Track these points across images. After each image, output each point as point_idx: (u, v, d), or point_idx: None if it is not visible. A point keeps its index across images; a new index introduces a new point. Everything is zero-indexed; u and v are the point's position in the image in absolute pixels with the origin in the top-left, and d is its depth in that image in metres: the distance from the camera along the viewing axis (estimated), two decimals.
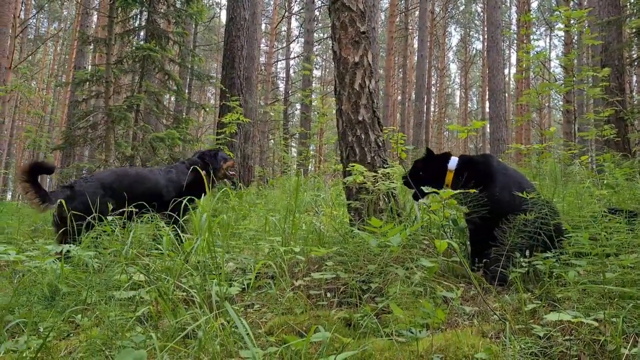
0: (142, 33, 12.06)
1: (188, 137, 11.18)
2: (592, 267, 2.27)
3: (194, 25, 21.72)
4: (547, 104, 31.93)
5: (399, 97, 34.64)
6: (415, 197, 3.06)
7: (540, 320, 2.04)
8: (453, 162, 3.01)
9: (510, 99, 34.49)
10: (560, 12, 8.08)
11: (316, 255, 2.70)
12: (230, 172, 4.71)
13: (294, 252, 2.60)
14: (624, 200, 3.60)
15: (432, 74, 35.98)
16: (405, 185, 3.05)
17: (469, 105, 44.48)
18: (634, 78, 25.67)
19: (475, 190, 2.65)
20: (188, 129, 11.72)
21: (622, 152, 6.95)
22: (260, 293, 2.75)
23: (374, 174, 3.03)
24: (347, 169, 3.19)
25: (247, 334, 1.65)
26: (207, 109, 12.02)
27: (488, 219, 2.71)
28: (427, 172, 3.04)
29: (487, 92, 16.77)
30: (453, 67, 47.59)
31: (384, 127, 7.25)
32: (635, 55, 11.60)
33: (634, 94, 23.13)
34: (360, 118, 3.32)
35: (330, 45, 3.58)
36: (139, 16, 12.63)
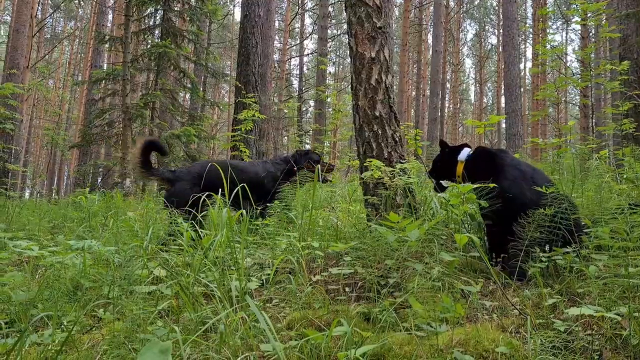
0: (157, 31, 12.16)
1: (203, 134, 11.26)
2: (613, 262, 2.24)
3: (208, 23, 21.84)
4: (564, 99, 31.53)
5: (414, 93, 34.50)
6: (436, 190, 3.10)
7: (561, 315, 2.03)
8: (464, 153, 3.02)
9: (526, 94, 34.15)
10: (577, 5, 7.97)
11: (334, 250, 2.70)
12: (325, 175, 4.79)
13: (313, 248, 2.61)
14: None
15: (447, 69, 35.75)
16: (430, 178, 3.11)
17: (484, 100, 44.10)
18: None
19: (487, 184, 2.63)
20: (203, 126, 11.81)
21: None
22: (279, 288, 2.76)
23: (391, 169, 3.03)
24: (364, 164, 3.19)
25: (269, 327, 1.66)
26: (222, 107, 12.07)
27: (501, 214, 2.70)
28: (441, 163, 3.07)
29: (503, 87, 16.61)
30: (468, 62, 47.24)
31: (407, 122, 7.21)
32: None
33: None
34: (377, 113, 3.32)
35: (346, 41, 3.58)
36: (154, 14, 12.74)
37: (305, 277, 2.80)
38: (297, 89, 30.77)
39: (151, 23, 12.82)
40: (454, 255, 2.67)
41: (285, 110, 18.77)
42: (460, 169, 3.00)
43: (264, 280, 2.82)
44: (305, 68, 33.43)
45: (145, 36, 12.12)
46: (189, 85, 11.97)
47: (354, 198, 4.91)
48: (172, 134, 8.45)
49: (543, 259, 2.47)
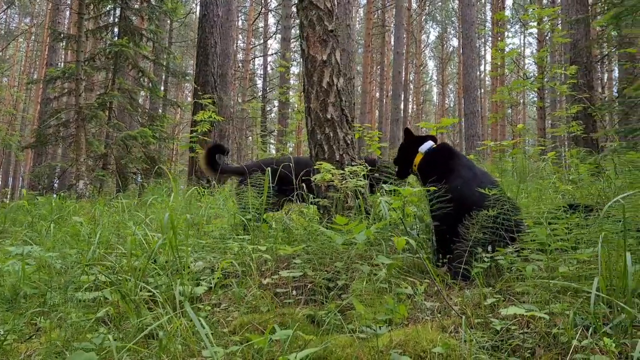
0: (115, 30, 11.90)
1: (163, 135, 11.08)
2: (549, 262, 2.32)
3: (169, 22, 21.51)
4: (521, 100, 32.38)
5: (377, 94, 34.80)
6: (399, 176, 3.21)
7: (499, 314, 2.08)
8: (426, 145, 3.09)
9: (486, 96, 34.91)
10: (531, 10, 8.20)
11: (284, 253, 2.71)
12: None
13: (260, 251, 2.61)
14: (587, 195, 3.69)
15: (410, 70, 36.21)
16: (395, 164, 3.20)
17: (446, 101, 44.87)
18: (606, 75, 26.22)
19: (435, 185, 2.69)
20: (164, 126, 11.62)
21: (590, 148, 7.11)
22: (228, 292, 2.75)
23: (342, 171, 3.05)
24: (315, 167, 3.20)
25: (206, 332, 1.66)
26: (183, 107, 11.90)
27: (450, 214, 2.76)
28: (404, 151, 3.15)
29: (462, 89, 16.94)
30: (431, 64, 47.96)
31: (361, 125, 7.30)
32: (605, 52, 11.84)
33: (605, 90, 23.60)
34: (328, 116, 3.34)
35: (299, 43, 3.59)
36: (111, 12, 12.45)
37: (255, 280, 2.79)
38: (261, 89, 30.64)
39: (110, 21, 12.54)
40: (399, 257, 2.72)
41: (249, 110, 18.64)
42: (418, 159, 3.07)
43: (214, 284, 2.81)
44: (269, 68, 33.30)
45: (103, 35, 11.85)
46: (148, 85, 11.76)
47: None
48: (128, 134, 8.29)
49: (486, 259, 2.53)
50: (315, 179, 3.06)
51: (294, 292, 2.60)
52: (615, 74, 24.56)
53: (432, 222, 3.00)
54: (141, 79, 11.74)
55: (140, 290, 2.45)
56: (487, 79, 37.01)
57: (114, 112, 10.84)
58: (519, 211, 2.91)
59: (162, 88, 23.68)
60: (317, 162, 3.26)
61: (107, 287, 2.31)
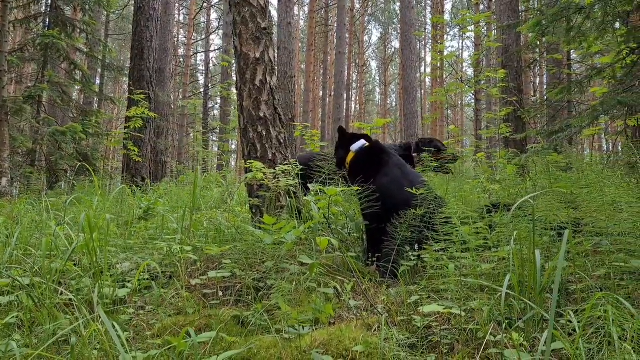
0: (47, 20, 11.33)
1: (97, 131, 10.65)
2: (472, 260, 2.39)
3: (105, 14, 20.73)
4: (460, 101, 33.44)
5: (321, 93, 34.96)
6: (338, 167, 3.28)
7: (421, 311, 2.13)
8: (357, 145, 3.13)
9: (426, 96, 35.81)
10: (466, 14, 8.45)
11: (210, 253, 2.66)
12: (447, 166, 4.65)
13: (186, 252, 2.55)
14: (511, 195, 3.84)
15: (353, 70, 36.60)
16: (334, 156, 3.26)
17: (388, 101, 45.69)
18: (538, 79, 27.47)
19: (363, 185, 2.73)
20: (97, 122, 11.17)
21: (520, 149, 7.42)
22: (154, 294, 2.67)
23: (273, 171, 3.03)
24: (246, 165, 3.17)
25: (122, 337, 1.59)
26: (118, 102, 11.50)
27: (379, 213, 2.80)
28: (339, 149, 3.21)
29: (402, 90, 17.29)
30: (373, 64, 48.67)
31: (301, 123, 7.30)
32: (536, 57, 12.40)
33: (537, 93, 24.74)
34: (261, 114, 3.31)
35: (232, 40, 3.54)
36: (44, 2, 11.86)
37: (183, 281, 2.73)
38: (203, 85, 30.09)
39: (42, 10, 11.94)
40: (325, 257, 2.73)
41: (188, 107, 18.25)
42: (349, 158, 3.11)
43: (139, 286, 2.72)
44: (211, 64, 32.75)
45: (32, 25, 11.26)
46: (81, 79, 11.27)
47: (245, 199, 4.88)
48: (56, 130, 7.91)
49: (412, 257, 2.59)
50: (246, 177, 3.02)
51: (221, 294, 2.56)
52: (545, 78, 25.79)
53: (362, 220, 3.04)
54: (74, 73, 11.24)
55: (60, 294, 2.34)
56: (427, 80, 37.98)
57: (44, 106, 10.32)
58: (444, 207, 2.99)
59: (98, 82, 22.80)
60: (249, 161, 3.23)
61: (24, 290, 2.19)
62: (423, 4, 36.04)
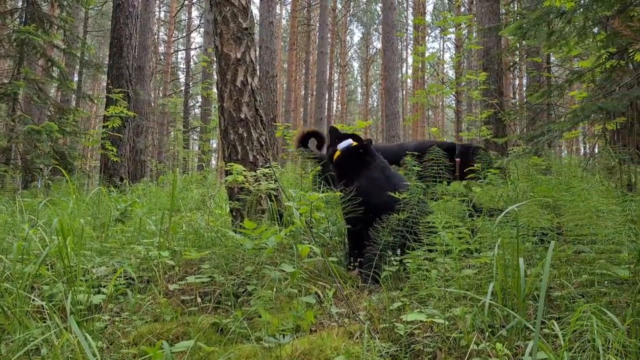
0: (24, 16, 11.07)
1: (75, 129, 10.44)
2: (455, 265, 2.37)
3: (84, 10, 20.39)
4: (440, 103, 33.65)
5: (303, 92, 34.89)
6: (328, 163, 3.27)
7: (404, 319, 2.10)
8: (344, 144, 3.09)
9: (408, 97, 35.98)
10: (449, 16, 8.48)
11: (188, 258, 2.60)
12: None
13: (163, 257, 2.48)
14: (492, 198, 3.85)
15: (335, 70, 36.59)
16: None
17: (369, 101, 45.79)
18: (517, 81, 27.80)
19: (345, 188, 2.69)
20: (75, 120, 10.95)
21: (500, 152, 7.48)
22: (130, 299, 2.60)
23: (254, 173, 2.98)
24: (226, 168, 3.11)
25: (89, 346, 1.53)
26: (97, 100, 11.29)
27: (360, 216, 2.77)
28: (331, 145, 3.18)
29: (384, 90, 17.33)
30: (355, 65, 48.73)
31: (282, 124, 7.24)
32: (516, 60, 12.51)
33: (516, 95, 25.03)
34: (242, 116, 3.25)
35: (213, 40, 3.47)
36: None
37: (161, 286, 2.67)
38: (184, 83, 29.79)
39: (19, 5, 11.67)
40: (307, 262, 2.69)
41: (169, 105, 18.04)
42: (335, 156, 3.06)
43: (114, 292, 2.65)
44: (192, 62, 32.45)
45: (7, 20, 10.99)
46: (58, 76, 11.04)
47: (227, 201, 4.81)
48: (31, 129, 7.72)
49: (394, 262, 2.56)
50: (226, 180, 2.96)
51: (200, 300, 2.50)
52: (525, 80, 26.08)
53: (344, 224, 3.01)
54: (51, 70, 11.01)
55: (32, 301, 2.26)
56: (408, 81, 38.16)
57: (20, 104, 10.09)
58: (431, 214, 2.97)
59: (76, 79, 22.40)
60: (229, 164, 3.17)
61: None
62: (405, 5, 36.21)
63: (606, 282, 2.10)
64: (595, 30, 4.01)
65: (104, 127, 6.95)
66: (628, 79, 3.18)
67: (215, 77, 3.54)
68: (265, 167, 3.18)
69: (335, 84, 37.72)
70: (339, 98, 41.05)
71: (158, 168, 11.89)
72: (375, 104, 47.34)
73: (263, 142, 3.31)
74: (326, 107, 22.79)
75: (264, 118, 3.37)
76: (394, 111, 14.05)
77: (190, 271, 2.93)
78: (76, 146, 12.06)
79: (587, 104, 2.85)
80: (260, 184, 2.77)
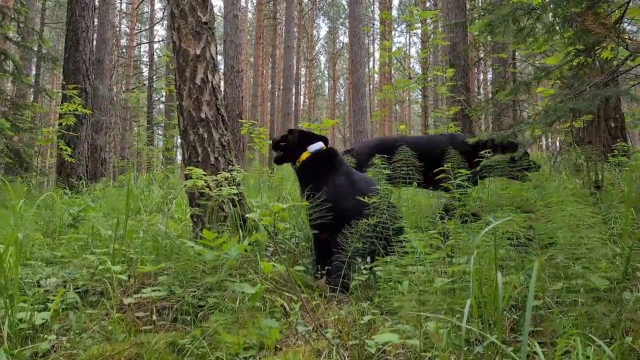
0: None
1: (31, 125, 9.97)
2: (427, 274, 2.27)
3: (41, 1, 19.63)
4: (407, 97, 33.84)
5: (269, 86, 34.55)
6: (276, 162, 3.02)
7: (375, 333, 1.98)
8: (315, 146, 2.93)
9: (375, 92, 36.06)
10: (415, 11, 8.41)
11: (141, 272, 2.42)
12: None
13: (116, 271, 2.30)
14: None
15: (302, 64, 36.36)
16: (273, 148, 2.98)
17: (337, 95, 45.73)
18: (481, 76, 28.15)
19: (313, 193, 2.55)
20: (32, 116, 10.47)
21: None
22: (82, 315, 2.40)
23: (215, 177, 2.81)
24: (186, 172, 2.93)
25: None
26: (53, 95, 10.83)
27: (327, 223, 2.64)
28: (293, 143, 2.95)
29: (351, 85, 17.26)
30: (322, 59, 48.57)
31: (248, 120, 7.00)
32: (481, 56, 12.59)
33: (481, 90, 25.34)
34: (202, 115, 3.07)
35: (170, 35, 3.27)
36: None
37: (115, 299, 2.48)
38: (147, 77, 29.09)
39: None
40: (273, 271, 2.55)
41: (131, 100, 17.52)
42: (303, 157, 2.90)
43: (64, 307, 2.45)
44: (156, 55, 31.69)
45: None
46: (12, 70, 10.52)
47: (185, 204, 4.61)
48: None
49: (364, 271, 2.44)
50: (185, 185, 2.78)
51: (156, 317, 2.32)
52: (489, 75, 26.42)
53: (311, 230, 2.87)
54: (4, 63, 10.48)
55: None
56: (375, 75, 38.23)
57: None
58: (401, 218, 2.86)
59: (34, 72, 21.56)
60: (191, 165, 2.99)
61: None
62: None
63: (582, 289, 2.02)
64: (562, 27, 3.96)
65: (59, 125, 6.61)
66: (598, 78, 3.14)
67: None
68: (228, 170, 3.01)
69: (303, 79, 37.51)
70: (307, 92, 40.86)
71: (120, 165, 11.50)
72: (342, 98, 47.33)
73: (225, 143, 3.14)
74: (293, 101, 22.58)
75: (225, 117, 3.20)
76: (361, 106, 13.97)
77: (147, 282, 2.74)
78: (33, 143, 11.56)
79: (559, 105, 2.79)
80: (221, 189, 2.60)
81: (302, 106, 37.80)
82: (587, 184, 4.08)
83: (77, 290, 2.65)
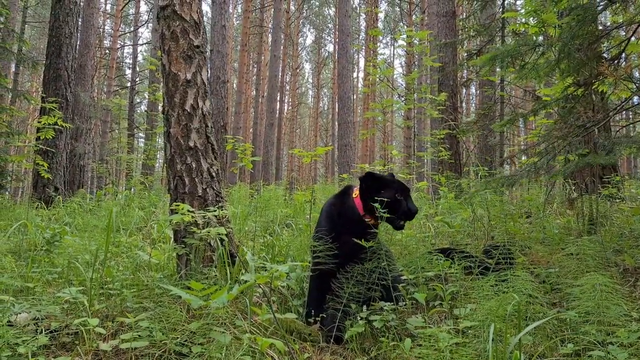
0: None
1: (8, 130, 9.64)
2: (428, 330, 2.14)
3: (23, 1, 19.19)
4: (390, 111, 33.93)
5: (253, 93, 34.33)
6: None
7: None
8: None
9: (359, 102, 36.09)
10: (404, 30, 8.33)
11: (124, 321, 2.24)
12: None
13: (92, 324, 2.12)
14: (458, 231, 3.67)
15: (287, 72, 36.25)
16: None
17: (320, 104, 45.71)
18: (464, 90, 28.35)
19: None
20: (9, 120, 10.13)
21: (454, 170, 7.41)
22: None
23: (203, 212, 2.64)
24: (171, 207, 2.76)
25: None
26: (32, 100, 10.50)
27: (321, 269, 2.50)
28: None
29: (337, 98, 17.19)
30: (307, 67, 48.55)
31: (233, 136, 6.79)
32: (469, 77, 12.62)
33: (463, 106, 25.50)
34: (191, 144, 2.91)
35: (159, 57, 3.11)
36: None
37: (92, 343, 2.29)
38: (130, 79, 28.67)
39: None
40: (262, 318, 2.40)
41: (112, 107, 17.15)
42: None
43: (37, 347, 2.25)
44: (139, 57, 31.29)
45: None
46: None
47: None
48: None
49: (360, 321, 2.30)
50: (171, 220, 2.61)
51: None
52: (472, 89, 26.58)
53: (308, 270, 2.72)
54: None
55: None
56: (359, 85, 38.29)
57: None
58: (394, 261, 2.73)
59: (13, 70, 21.06)
60: (178, 198, 2.83)
61: None
62: (357, 10, 36.30)
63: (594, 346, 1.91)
64: (568, 65, 3.93)
65: (36, 140, 6.33)
66: (592, 116, 3.08)
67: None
68: (217, 204, 2.86)
69: (287, 86, 37.38)
70: (290, 100, 40.74)
71: (100, 171, 11.18)
72: (325, 107, 47.31)
73: (214, 174, 2.98)
74: (277, 110, 22.43)
75: (215, 146, 3.04)
76: (346, 120, 13.89)
77: (126, 323, 2.57)
78: (9, 148, 11.21)
79: (541, 161, 2.70)
80: (208, 229, 2.44)
81: (285, 114, 37.66)
82: (581, 218, 4.02)
83: (50, 330, 2.46)
